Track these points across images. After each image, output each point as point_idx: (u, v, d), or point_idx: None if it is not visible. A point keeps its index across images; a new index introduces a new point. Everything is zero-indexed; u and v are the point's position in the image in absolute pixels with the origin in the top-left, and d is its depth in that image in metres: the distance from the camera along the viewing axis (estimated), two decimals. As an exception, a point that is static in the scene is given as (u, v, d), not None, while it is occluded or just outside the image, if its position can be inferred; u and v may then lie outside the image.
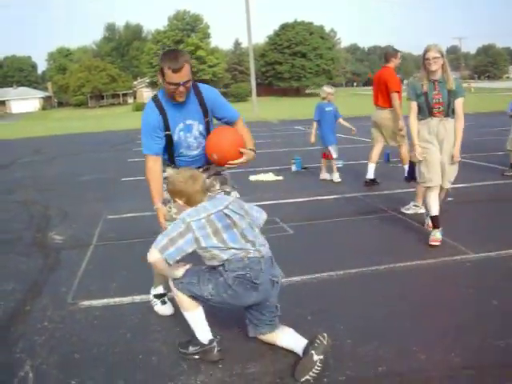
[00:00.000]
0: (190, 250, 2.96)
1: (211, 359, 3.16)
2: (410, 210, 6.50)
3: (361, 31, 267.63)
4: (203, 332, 3.20)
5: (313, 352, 2.89)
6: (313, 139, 9.03)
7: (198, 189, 3.11)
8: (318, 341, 2.94)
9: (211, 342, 3.17)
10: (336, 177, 8.81)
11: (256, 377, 2.99)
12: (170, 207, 3.61)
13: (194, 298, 3.11)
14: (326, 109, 8.67)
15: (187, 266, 3.17)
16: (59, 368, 3.21)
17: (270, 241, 5.45)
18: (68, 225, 6.84)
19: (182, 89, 3.38)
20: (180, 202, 3.17)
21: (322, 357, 2.89)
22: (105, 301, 4.20)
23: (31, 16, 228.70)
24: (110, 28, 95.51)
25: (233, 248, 2.96)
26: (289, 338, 3.17)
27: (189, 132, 3.58)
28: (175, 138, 3.57)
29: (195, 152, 3.68)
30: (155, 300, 4.00)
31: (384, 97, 7.94)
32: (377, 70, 8.52)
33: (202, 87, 3.62)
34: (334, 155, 8.74)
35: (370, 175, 8.29)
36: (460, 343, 3.25)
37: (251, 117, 31.72)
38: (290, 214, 6.72)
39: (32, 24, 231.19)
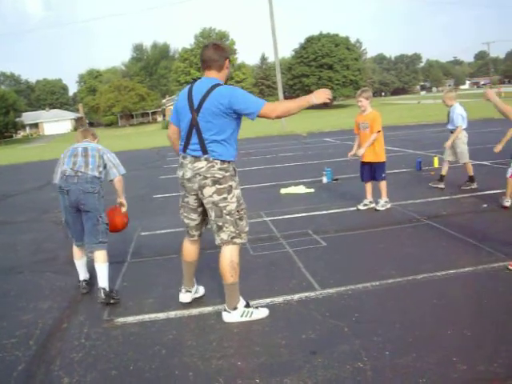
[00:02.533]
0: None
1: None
2: (362, 206, 7.37)
3: (386, 41, 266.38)
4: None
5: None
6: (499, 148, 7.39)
7: (79, 134, 5.23)
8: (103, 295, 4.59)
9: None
10: None
11: (294, 391, 2.96)
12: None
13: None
14: None
15: None
16: (97, 385, 3.23)
17: (304, 253, 5.49)
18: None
19: None
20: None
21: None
22: (140, 317, 4.21)
23: (60, 39, 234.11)
24: (138, 48, 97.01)
25: (63, 169, 4.79)
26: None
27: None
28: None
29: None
30: (248, 310, 4.00)
31: None
32: None
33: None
34: None
35: None
36: (503, 353, 3.15)
37: (280, 130, 31.75)
38: (323, 225, 6.67)
39: (61, 47, 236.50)
